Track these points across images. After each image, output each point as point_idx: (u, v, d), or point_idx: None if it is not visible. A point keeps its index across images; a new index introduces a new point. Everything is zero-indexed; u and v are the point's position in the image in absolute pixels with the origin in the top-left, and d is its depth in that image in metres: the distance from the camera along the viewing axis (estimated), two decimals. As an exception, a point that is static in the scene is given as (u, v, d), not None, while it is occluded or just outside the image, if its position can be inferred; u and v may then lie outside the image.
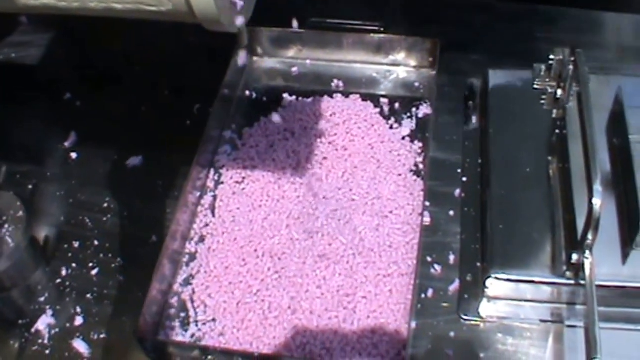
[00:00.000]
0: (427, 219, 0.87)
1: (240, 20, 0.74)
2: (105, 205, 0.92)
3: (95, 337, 0.82)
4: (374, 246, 0.86)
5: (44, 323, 0.83)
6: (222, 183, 0.94)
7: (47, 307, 0.84)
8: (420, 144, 0.96)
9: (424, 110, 0.99)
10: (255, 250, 0.87)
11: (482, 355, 0.78)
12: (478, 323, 0.80)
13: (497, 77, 0.96)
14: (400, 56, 1.03)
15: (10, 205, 0.85)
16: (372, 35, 1.02)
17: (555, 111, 0.90)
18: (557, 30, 1.04)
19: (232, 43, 1.01)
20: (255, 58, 1.06)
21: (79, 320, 0.83)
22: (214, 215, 0.91)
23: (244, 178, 0.94)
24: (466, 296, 0.82)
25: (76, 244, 0.89)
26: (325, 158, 0.95)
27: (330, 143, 0.97)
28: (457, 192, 0.90)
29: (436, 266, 0.84)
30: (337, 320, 0.81)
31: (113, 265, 0.87)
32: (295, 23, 0.98)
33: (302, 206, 0.90)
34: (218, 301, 0.84)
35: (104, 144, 0.98)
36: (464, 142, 0.94)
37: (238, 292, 0.84)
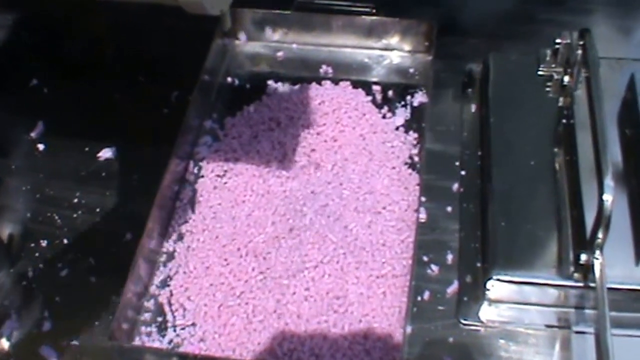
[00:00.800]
0: (422, 216, 0.87)
1: (223, 2, 0.73)
2: (75, 200, 0.91)
3: (65, 343, 0.81)
4: (366, 245, 0.85)
5: (8, 328, 0.82)
6: (203, 176, 0.93)
7: (12, 311, 0.83)
8: (416, 135, 0.95)
9: (419, 98, 0.98)
10: (238, 249, 0.86)
11: (482, 362, 0.78)
12: (478, 328, 0.79)
13: (498, 63, 0.95)
14: (394, 40, 1.02)
15: (-29, 201, 0.84)
16: (363, 17, 1.01)
17: (561, 99, 0.90)
18: (563, 11, 1.03)
19: (213, 26, 1.01)
20: (237, 42, 1.06)
21: (46, 326, 0.82)
22: (193, 211, 0.90)
23: (225, 171, 0.93)
24: (465, 299, 0.81)
25: (44, 243, 0.88)
26: (313, 150, 0.94)
27: (318, 134, 0.95)
28: (455, 186, 0.89)
29: (433, 266, 0.83)
30: (327, 325, 0.80)
31: (84, 266, 0.86)
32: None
33: (289, 202, 0.89)
34: (198, 304, 0.83)
35: (73, 134, 0.97)
36: (463, 133, 0.93)
37: (219, 295, 0.83)
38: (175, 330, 0.82)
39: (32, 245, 0.88)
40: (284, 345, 0.79)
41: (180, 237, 0.88)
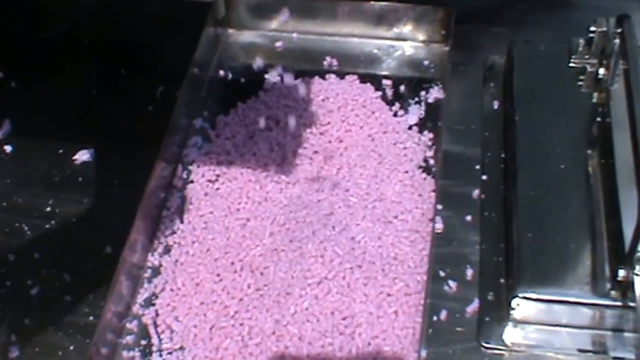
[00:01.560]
0: (439, 226, 0.86)
1: None
2: (48, 209, 0.91)
3: (36, 371, 0.81)
4: (375, 258, 0.85)
5: (-29, 354, 0.82)
6: (192, 182, 0.93)
7: (-24, 334, 0.83)
8: (431, 135, 0.95)
9: (435, 93, 0.98)
10: (232, 264, 0.86)
11: (507, 391, 0.78)
12: (502, 352, 0.79)
13: (523, 53, 0.95)
14: (407, 28, 1.02)
15: None
16: (372, 2, 1.02)
17: (596, 94, 0.89)
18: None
19: (204, 13, 1.01)
20: (231, 31, 1.06)
21: (14, 352, 0.81)
22: (182, 221, 0.90)
23: (218, 176, 0.93)
24: (487, 319, 0.80)
25: (11, 257, 0.88)
26: (316, 152, 0.94)
27: (322, 134, 0.96)
28: (476, 192, 0.89)
29: (451, 282, 0.83)
30: (332, 349, 0.80)
31: (57, 283, 0.85)
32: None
33: (289, 210, 0.89)
34: (187, 325, 0.83)
35: (46, 134, 0.97)
36: (484, 133, 0.93)
37: (211, 314, 0.83)
38: (161, 355, 0.81)
39: (-1, 259, 0.88)
40: (284, 371, 0.80)
41: (167, 250, 0.88)
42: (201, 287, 0.85)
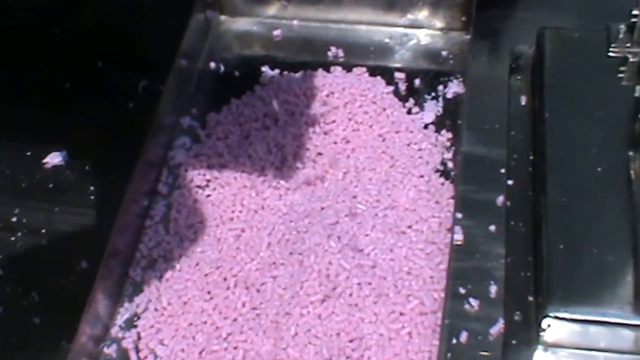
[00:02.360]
0: (458, 237, 0.86)
1: None
2: (14, 219, 0.91)
3: (1, 403, 0.81)
4: (386, 273, 0.85)
5: None
6: (179, 188, 0.94)
7: None
8: (449, 135, 0.96)
9: (454, 88, 0.99)
10: (225, 279, 0.87)
11: None
12: None
13: (555, 42, 0.94)
14: (422, 14, 1.03)
15: None
16: (383, -15, 1.03)
17: (638, 88, 0.88)
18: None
19: None
20: (223, 17, 1.07)
21: (-23, 380, 0.82)
22: (167, 232, 0.91)
23: (209, 181, 0.94)
24: (514, 342, 0.80)
25: (-26, 273, 0.88)
26: (319, 154, 0.95)
27: (326, 133, 0.96)
28: (500, 199, 0.88)
29: (472, 300, 0.82)
30: None
31: (25, 303, 0.85)
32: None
33: (289, 219, 0.90)
34: (173, 350, 0.83)
35: (11, 134, 0.97)
36: (510, 132, 0.93)
37: (201, 337, 0.83)
38: (144, 384, 0.82)
39: (-41, 276, 0.87)
40: (283, 402, 0.80)
41: (151, 265, 0.89)
42: (189, 306, 0.85)
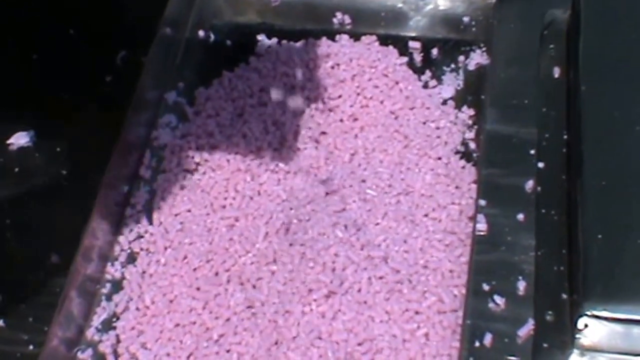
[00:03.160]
0: (481, 226, 0.86)
1: None
2: (-25, 207, 0.92)
3: (-38, 415, 0.81)
4: (400, 266, 0.86)
5: None
6: (164, 172, 0.95)
7: None
8: (471, 112, 0.96)
9: (477, 59, 1.00)
10: (217, 274, 0.87)
11: None
12: None
13: (593, 5, 0.94)
14: (440, -26, 1.04)
15: None
16: (395, -59, 1.03)
17: None
18: None
19: None
20: (213, -20, 1.07)
21: None
22: (150, 222, 0.92)
23: (198, 164, 0.95)
24: (545, 345, 0.80)
25: None
26: (324, 133, 0.96)
27: (331, 110, 0.97)
28: (530, 184, 0.89)
29: (497, 298, 0.83)
30: None
31: (-11, 302, 0.86)
32: None
33: (289, 207, 0.90)
34: (158, 354, 0.83)
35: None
36: (541, 108, 0.94)
37: (189, 340, 0.84)
38: (123, 393, 0.83)
39: None
40: (283, 413, 0.81)
41: (132, 259, 0.90)
42: (176, 304, 0.86)
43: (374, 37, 1.02)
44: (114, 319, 0.86)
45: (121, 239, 0.91)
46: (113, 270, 0.89)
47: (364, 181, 0.92)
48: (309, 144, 0.95)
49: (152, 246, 0.90)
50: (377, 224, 0.89)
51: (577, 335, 0.79)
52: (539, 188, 0.89)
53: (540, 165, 0.90)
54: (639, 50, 0.91)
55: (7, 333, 0.83)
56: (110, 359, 0.84)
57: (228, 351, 0.83)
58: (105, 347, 0.85)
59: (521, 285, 0.84)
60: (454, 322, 0.83)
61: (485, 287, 0.84)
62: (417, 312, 0.84)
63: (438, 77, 0.99)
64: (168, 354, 0.83)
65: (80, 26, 1.02)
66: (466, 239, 0.87)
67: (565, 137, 0.91)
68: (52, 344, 0.81)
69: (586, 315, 0.78)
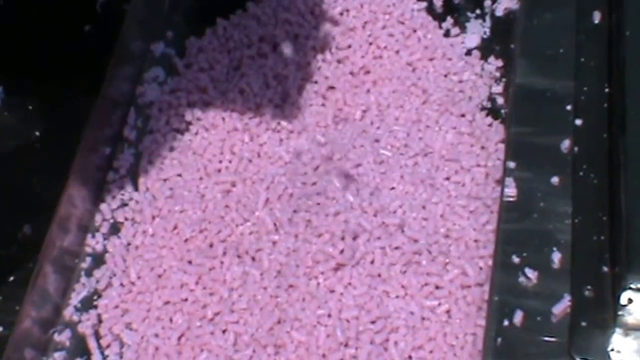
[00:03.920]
0: (511, 191, 0.87)
1: None
2: (-61, 171, 0.92)
3: None
4: (419, 236, 0.86)
5: None
6: (151, 132, 0.95)
7: None
8: (499, 63, 0.97)
9: (506, 3, 1.00)
10: (211, 246, 0.88)
11: None
12: None
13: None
14: None
15: None
16: None
17: None
18: None
19: None
20: None
21: None
22: (136, 188, 0.92)
23: (189, 123, 0.95)
24: (583, 324, 0.80)
25: None
26: (331, 87, 0.96)
27: (340, 62, 0.97)
28: (566, 144, 0.89)
29: (528, 272, 0.83)
30: None
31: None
32: None
33: (293, 169, 0.91)
34: (145, 335, 0.84)
35: None
36: (578, 58, 0.94)
37: (181, 319, 0.84)
38: (106, 379, 0.83)
39: None
40: (286, 400, 0.81)
41: (115, 230, 0.90)
42: (165, 279, 0.86)
43: (389, -22, 1.01)
44: (95, 297, 0.87)
45: (103, 207, 0.91)
46: (94, 243, 0.90)
47: (377, 141, 0.92)
48: (315, 100, 0.95)
49: (137, 215, 0.90)
50: (392, 188, 0.89)
51: (620, 312, 0.80)
52: (576, 148, 0.89)
53: (578, 122, 0.91)
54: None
55: (-24, 312, 0.85)
56: (91, 342, 0.85)
57: (224, 331, 0.83)
58: (85, 328, 0.85)
59: (556, 257, 0.84)
60: (479, 297, 0.84)
61: (515, 259, 0.84)
62: (437, 287, 0.85)
63: (461, 24, 1.00)
64: (156, 335, 0.84)
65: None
66: (493, 205, 0.88)
67: (606, 90, 0.92)
68: (25, 325, 0.81)
69: (630, 289, 0.79)
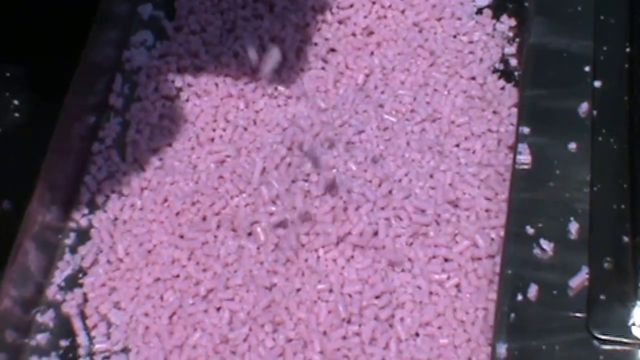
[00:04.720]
0: (524, 157, 0.88)
1: None
2: None
3: None
4: (425, 206, 0.88)
5: None
6: (139, 100, 0.97)
7: None
8: (512, 22, 0.99)
9: (519, -43, 1.00)
10: (204, 219, 0.89)
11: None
12: (627, 348, 0.80)
13: None
14: None
15: None
16: None
17: None
18: None
19: None
20: None
21: None
22: (123, 159, 0.94)
23: (180, 90, 0.97)
24: (602, 297, 0.82)
25: None
26: (332, 50, 0.98)
27: (341, 22, 0.99)
28: (584, 107, 0.91)
29: (543, 243, 0.85)
30: (359, 341, 0.83)
31: None
32: None
33: (291, 137, 0.92)
34: (134, 315, 0.86)
35: None
36: (597, 16, 0.95)
37: (172, 297, 0.86)
38: (92, 362, 0.84)
39: None
40: (286, 380, 0.82)
41: (102, 203, 0.92)
42: (156, 255, 0.88)
43: None
44: (80, 275, 0.89)
45: (88, 179, 0.93)
46: (78, 217, 0.91)
47: (381, 106, 0.94)
48: (315, 64, 0.97)
49: (125, 187, 0.92)
50: (398, 155, 0.91)
51: (642, 287, 0.80)
52: (595, 112, 0.91)
53: (597, 84, 0.92)
54: None
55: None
56: (77, 322, 0.86)
57: (218, 309, 0.85)
58: (69, 308, 0.87)
59: (573, 228, 0.86)
60: (491, 270, 0.85)
61: (529, 229, 0.86)
62: (446, 259, 0.86)
63: (471, -21, 1.00)
64: (146, 314, 0.86)
65: None
66: (505, 173, 0.89)
67: (627, 50, 0.93)
68: (5, 305, 0.83)
69: (652, 261, 0.80)
